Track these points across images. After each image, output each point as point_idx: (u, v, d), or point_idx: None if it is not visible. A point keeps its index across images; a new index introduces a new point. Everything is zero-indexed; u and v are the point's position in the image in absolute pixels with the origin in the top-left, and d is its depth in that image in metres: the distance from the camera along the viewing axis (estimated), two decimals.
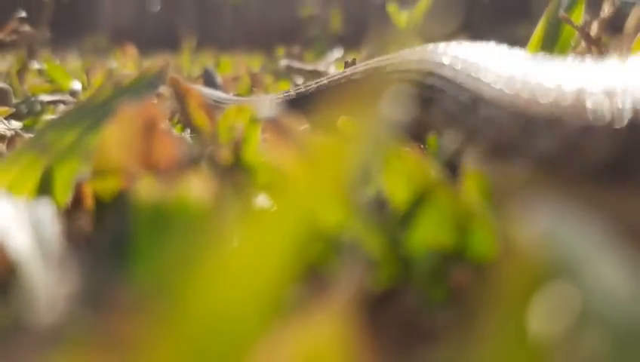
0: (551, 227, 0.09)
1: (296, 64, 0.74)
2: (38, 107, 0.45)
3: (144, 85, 0.17)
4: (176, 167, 0.15)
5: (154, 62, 0.19)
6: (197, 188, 0.12)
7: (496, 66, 0.18)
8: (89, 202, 0.15)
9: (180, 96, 0.22)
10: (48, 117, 0.42)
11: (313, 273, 0.13)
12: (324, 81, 0.32)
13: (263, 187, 0.15)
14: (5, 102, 0.44)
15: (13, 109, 0.39)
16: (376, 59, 0.29)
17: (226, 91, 0.48)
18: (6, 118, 0.36)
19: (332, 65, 0.89)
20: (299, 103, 0.31)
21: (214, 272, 0.08)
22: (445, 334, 0.12)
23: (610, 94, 0.14)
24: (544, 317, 0.08)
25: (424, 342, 0.12)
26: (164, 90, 0.24)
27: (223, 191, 0.13)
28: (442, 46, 0.23)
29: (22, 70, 0.58)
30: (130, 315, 0.08)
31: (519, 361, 0.08)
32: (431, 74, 0.22)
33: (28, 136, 0.27)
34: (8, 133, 0.29)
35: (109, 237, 0.12)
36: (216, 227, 0.09)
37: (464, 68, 0.20)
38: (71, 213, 0.15)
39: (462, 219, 0.13)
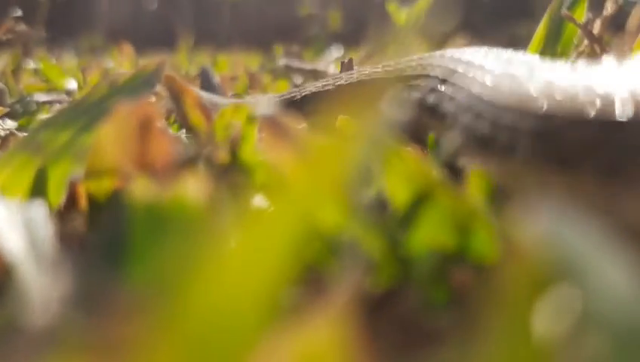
0: (553, 227, 0.09)
1: (295, 63, 0.74)
2: (34, 106, 0.45)
3: (140, 84, 0.17)
4: (172, 167, 0.14)
5: (150, 61, 0.19)
6: (193, 188, 0.12)
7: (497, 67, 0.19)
8: (83, 202, 0.15)
9: (176, 95, 0.22)
10: (43, 116, 0.42)
11: (312, 274, 0.13)
12: (329, 83, 0.32)
13: (260, 187, 0.15)
14: (0, 101, 0.44)
15: (8, 109, 0.39)
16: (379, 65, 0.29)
17: (223, 92, 0.48)
18: (1, 118, 0.35)
19: (331, 64, 0.89)
20: (302, 105, 0.31)
21: (211, 274, 0.08)
22: (446, 336, 0.12)
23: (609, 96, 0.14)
24: (548, 318, 0.08)
25: (425, 343, 0.12)
26: (160, 88, 0.24)
27: (220, 192, 0.13)
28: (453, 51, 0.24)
29: (17, 69, 0.58)
30: (125, 317, 0.08)
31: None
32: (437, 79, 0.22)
33: (22, 135, 0.27)
34: (2, 133, 0.29)
35: (103, 238, 0.12)
36: (213, 228, 0.09)
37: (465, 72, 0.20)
38: (65, 213, 0.15)
39: (463, 219, 0.13)
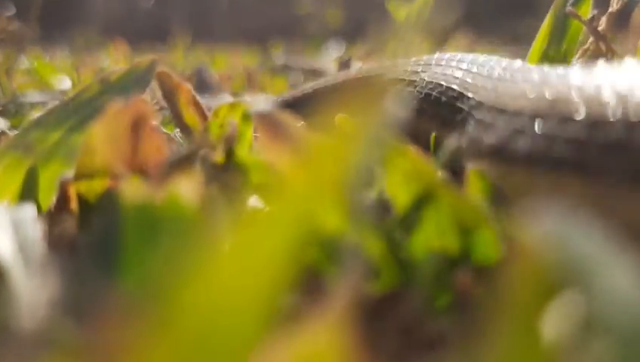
0: (557, 229, 0.09)
1: (294, 62, 0.74)
2: (27, 106, 0.45)
3: (133, 81, 0.17)
4: (165, 167, 0.14)
5: (144, 58, 0.19)
6: (187, 188, 0.12)
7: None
8: (73, 203, 0.15)
9: (170, 93, 0.22)
10: (35, 114, 0.42)
11: (310, 277, 0.13)
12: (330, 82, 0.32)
13: (256, 187, 0.15)
14: None
15: (0, 108, 0.39)
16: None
17: (220, 90, 0.48)
18: None
19: (331, 62, 0.89)
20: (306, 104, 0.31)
21: (205, 277, 0.08)
22: (449, 339, 0.12)
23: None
24: (554, 321, 0.08)
25: (427, 347, 0.12)
26: (153, 86, 0.24)
27: (214, 192, 0.13)
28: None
29: (10, 68, 0.58)
30: (116, 321, 0.08)
31: None
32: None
33: (13, 135, 0.27)
34: None
35: (94, 239, 0.11)
36: (207, 229, 0.09)
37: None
38: (55, 214, 0.15)
39: (465, 221, 0.13)
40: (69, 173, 0.15)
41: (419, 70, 0.25)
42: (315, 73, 0.66)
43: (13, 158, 0.15)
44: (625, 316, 0.08)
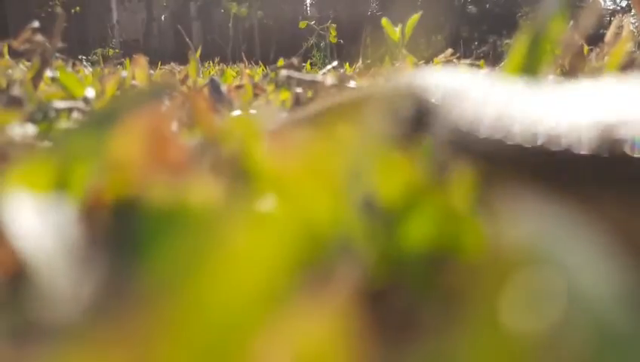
0: (536, 226, 0.09)
1: (296, 74, 0.74)
2: (53, 113, 0.45)
3: (153, 94, 0.17)
4: (184, 172, 0.15)
5: (162, 72, 0.19)
6: (203, 192, 0.12)
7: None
8: (101, 206, 0.15)
9: (188, 103, 0.22)
10: (62, 122, 0.42)
11: (310, 273, 0.13)
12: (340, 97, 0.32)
13: (265, 191, 0.15)
14: (20, 108, 0.44)
15: (28, 115, 0.39)
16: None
17: (230, 100, 0.49)
18: (21, 124, 0.35)
19: (328, 75, 0.89)
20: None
21: (217, 273, 0.08)
22: (434, 333, 0.12)
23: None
24: (527, 314, 0.08)
25: (413, 341, 0.12)
26: (172, 97, 0.24)
27: (227, 195, 0.13)
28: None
29: (35, 78, 0.58)
30: (139, 314, 0.08)
31: (500, 358, 0.08)
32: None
33: (42, 142, 0.27)
34: (23, 140, 0.29)
35: (120, 239, 0.12)
36: (220, 229, 0.09)
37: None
38: (84, 216, 0.15)
39: (452, 219, 0.13)
40: (98, 177, 0.15)
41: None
42: (315, 85, 0.67)
43: (47, 163, 0.15)
44: (598, 309, 0.08)
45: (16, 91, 0.49)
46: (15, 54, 0.78)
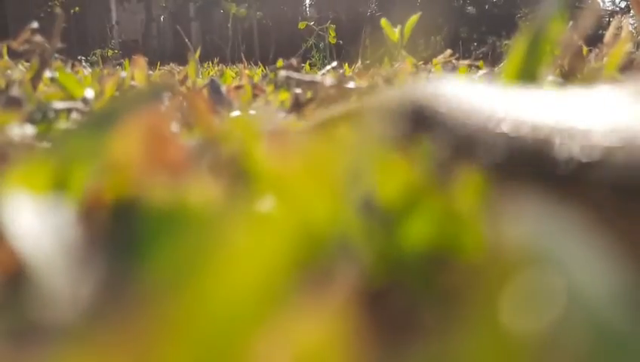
0: (536, 227, 0.09)
1: (295, 75, 0.74)
2: (52, 114, 0.45)
3: (153, 94, 0.17)
4: (183, 173, 0.15)
5: (161, 73, 0.19)
6: (202, 192, 0.12)
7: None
8: (100, 206, 0.15)
9: (186, 104, 0.22)
10: (61, 123, 0.42)
11: (309, 273, 0.13)
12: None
13: (264, 191, 0.15)
14: (19, 109, 0.44)
15: (27, 116, 0.39)
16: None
17: (230, 100, 0.49)
18: (20, 125, 0.35)
19: (327, 75, 0.89)
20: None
21: (217, 272, 0.08)
22: (434, 333, 0.12)
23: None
24: (526, 314, 0.08)
25: (412, 341, 0.12)
26: (171, 98, 0.24)
27: (227, 196, 0.13)
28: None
29: (35, 78, 0.58)
30: (138, 314, 0.08)
31: (499, 358, 0.08)
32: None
33: (41, 143, 0.27)
34: (22, 140, 0.29)
35: (119, 239, 0.12)
36: (219, 230, 0.09)
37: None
38: (83, 216, 0.15)
39: (453, 220, 0.13)
40: (96, 178, 0.15)
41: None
42: (314, 85, 0.67)
43: (46, 163, 0.15)
44: (597, 309, 0.08)
45: (15, 92, 0.49)
46: (14, 55, 0.78)
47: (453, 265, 0.13)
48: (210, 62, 1.77)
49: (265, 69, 1.41)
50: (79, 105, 0.49)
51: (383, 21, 1.04)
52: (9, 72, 0.71)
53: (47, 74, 0.61)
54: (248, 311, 0.08)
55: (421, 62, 1.02)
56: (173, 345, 0.08)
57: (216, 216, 0.12)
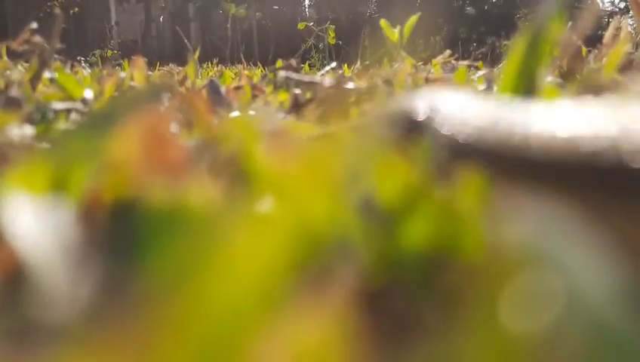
0: (536, 228, 0.09)
1: (294, 75, 0.74)
2: (51, 114, 0.45)
3: (152, 95, 0.17)
4: (183, 174, 0.15)
5: (161, 73, 0.19)
6: (201, 193, 0.12)
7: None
8: (99, 207, 0.15)
9: (186, 104, 0.22)
10: (61, 123, 0.42)
11: (309, 274, 0.13)
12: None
13: (263, 192, 0.15)
14: (18, 109, 0.44)
15: (26, 116, 0.39)
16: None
17: (229, 101, 0.49)
18: (19, 125, 0.35)
19: (326, 76, 0.89)
20: None
21: (216, 273, 0.08)
22: (434, 334, 0.12)
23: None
24: (525, 315, 0.08)
25: (412, 343, 0.12)
26: (170, 98, 0.24)
27: (226, 196, 0.13)
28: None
29: (34, 79, 0.58)
30: (138, 314, 0.08)
31: (499, 358, 0.08)
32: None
33: (40, 143, 0.27)
34: (22, 141, 0.29)
35: (118, 240, 0.12)
36: (218, 230, 0.09)
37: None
38: (82, 217, 0.15)
39: (452, 220, 0.13)
40: (95, 178, 0.15)
41: None
42: (313, 86, 0.67)
43: (44, 164, 0.15)
44: (596, 310, 0.08)
45: (14, 92, 0.49)
46: (14, 55, 0.78)
47: (453, 265, 0.13)
48: (209, 63, 1.77)
49: (264, 69, 1.41)
50: (78, 105, 0.49)
51: (383, 21, 1.05)
52: (8, 72, 0.71)
53: (47, 74, 0.61)
54: (248, 311, 0.08)
55: (420, 63, 1.03)
56: (173, 346, 0.08)
57: (215, 217, 0.12)
